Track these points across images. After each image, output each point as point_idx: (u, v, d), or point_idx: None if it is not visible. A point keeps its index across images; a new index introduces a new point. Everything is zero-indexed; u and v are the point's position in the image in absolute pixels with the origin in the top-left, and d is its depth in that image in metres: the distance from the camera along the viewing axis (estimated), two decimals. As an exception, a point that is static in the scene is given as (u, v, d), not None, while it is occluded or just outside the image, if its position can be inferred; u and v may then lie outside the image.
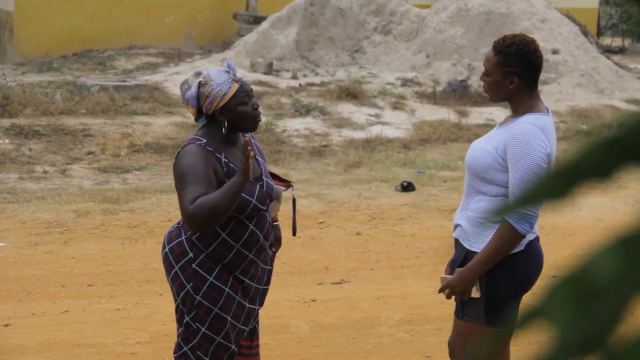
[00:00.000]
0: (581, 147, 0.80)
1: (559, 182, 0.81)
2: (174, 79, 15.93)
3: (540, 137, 3.91)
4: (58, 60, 18.30)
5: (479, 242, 4.01)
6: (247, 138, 3.80)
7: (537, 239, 4.11)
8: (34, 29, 18.89)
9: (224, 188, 3.86)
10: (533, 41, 4.12)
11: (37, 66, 17.63)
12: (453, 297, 4.08)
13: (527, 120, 3.95)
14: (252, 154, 3.83)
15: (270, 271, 4.46)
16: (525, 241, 3.99)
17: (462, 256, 4.08)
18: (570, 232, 9.14)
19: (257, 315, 4.45)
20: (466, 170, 4.15)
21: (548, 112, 4.08)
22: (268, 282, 4.45)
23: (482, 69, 4.16)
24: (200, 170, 3.95)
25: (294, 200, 4.60)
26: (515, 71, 4.01)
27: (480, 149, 4.06)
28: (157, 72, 16.99)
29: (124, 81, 15.45)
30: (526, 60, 4.02)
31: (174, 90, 15.12)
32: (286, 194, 4.72)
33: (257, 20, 19.73)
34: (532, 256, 4.05)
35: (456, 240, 4.18)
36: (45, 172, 11.43)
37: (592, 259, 0.79)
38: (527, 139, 3.89)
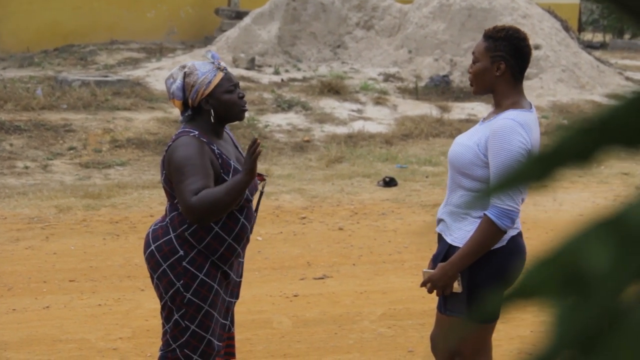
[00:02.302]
0: (562, 131, 0.81)
1: (540, 166, 0.81)
2: (155, 74, 15.89)
3: (521, 132, 3.90)
4: (39, 55, 18.22)
5: (461, 237, 4.02)
6: (256, 139, 3.80)
7: (519, 234, 4.12)
8: (14, 24, 18.80)
9: (228, 185, 3.88)
10: (524, 32, 4.14)
11: (18, 61, 17.55)
12: (435, 291, 4.09)
13: (508, 116, 3.94)
14: (259, 150, 3.84)
15: (243, 263, 4.46)
16: (507, 237, 4.00)
17: (444, 251, 4.08)
18: (551, 227, 9.17)
19: (233, 308, 4.46)
20: (449, 165, 4.16)
21: (531, 108, 4.08)
22: (242, 275, 4.46)
23: (464, 64, 4.18)
24: (197, 161, 3.95)
25: (261, 193, 4.59)
26: (503, 56, 4.01)
27: (463, 144, 4.06)
28: (139, 68, 16.93)
29: (106, 76, 15.40)
30: (515, 47, 4.03)
31: (156, 85, 15.08)
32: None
33: (239, 15, 19.71)
34: (515, 251, 4.06)
35: (439, 235, 4.19)
36: (27, 167, 11.39)
37: (578, 241, 0.79)
38: (507, 135, 3.89)
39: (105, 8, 19.66)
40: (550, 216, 9.57)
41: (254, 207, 4.40)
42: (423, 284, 4.12)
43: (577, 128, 0.80)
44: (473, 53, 4.12)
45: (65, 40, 19.08)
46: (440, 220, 4.19)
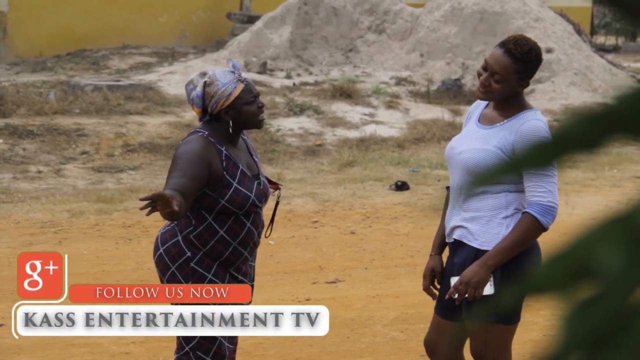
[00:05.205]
0: (570, 118, 0.81)
1: (546, 151, 0.82)
2: (167, 78, 15.92)
3: (548, 132, 3.98)
4: (52, 60, 18.27)
5: (489, 240, 3.92)
6: None
7: None
8: (27, 29, 18.86)
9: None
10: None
11: (30, 66, 17.60)
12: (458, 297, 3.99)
13: (533, 117, 3.99)
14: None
15: (254, 267, 4.47)
16: None
17: (471, 256, 3.97)
18: (564, 231, 9.14)
19: None
20: (462, 172, 4.05)
21: None
22: (253, 278, 4.46)
23: (476, 67, 4.18)
24: (193, 158, 4.00)
25: (277, 202, 4.60)
26: (531, 76, 4.04)
27: (481, 150, 3.98)
28: (151, 72, 16.96)
29: (118, 81, 15.43)
30: (540, 64, 4.06)
31: (168, 89, 15.11)
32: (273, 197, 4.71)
33: (251, 19, 19.72)
34: (538, 250, 4.02)
35: (457, 243, 4.09)
36: (40, 172, 11.42)
37: (590, 238, 0.79)
38: (540, 135, 3.94)
39: (117, 13, 19.70)
40: (562, 219, 9.53)
41: (268, 216, 4.42)
42: (451, 292, 3.97)
43: (583, 116, 0.81)
44: (492, 67, 3.98)
45: (78, 45, 19.13)
46: (455, 228, 4.09)
